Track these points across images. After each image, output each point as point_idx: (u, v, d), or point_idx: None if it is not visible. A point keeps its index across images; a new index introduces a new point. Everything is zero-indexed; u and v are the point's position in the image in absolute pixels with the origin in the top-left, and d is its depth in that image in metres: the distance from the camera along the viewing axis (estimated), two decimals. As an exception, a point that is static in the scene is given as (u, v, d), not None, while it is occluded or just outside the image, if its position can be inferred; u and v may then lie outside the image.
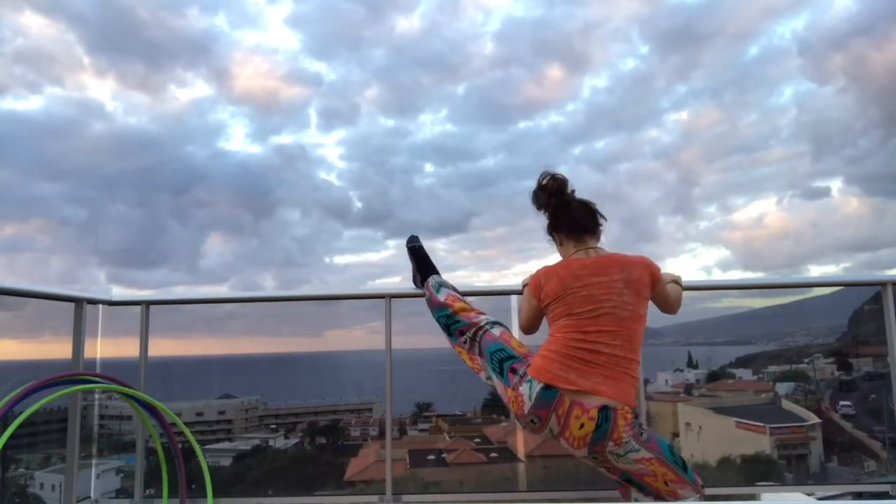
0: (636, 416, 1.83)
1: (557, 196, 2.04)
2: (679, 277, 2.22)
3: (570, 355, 1.81)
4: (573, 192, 2.05)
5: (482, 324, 2.07)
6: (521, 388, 1.83)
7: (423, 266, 2.38)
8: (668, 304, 2.08)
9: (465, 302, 2.19)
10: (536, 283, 1.99)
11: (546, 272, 1.98)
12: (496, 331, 2.05)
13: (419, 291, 2.38)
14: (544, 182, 2.04)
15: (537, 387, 1.80)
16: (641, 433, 1.81)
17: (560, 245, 2.07)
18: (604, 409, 1.75)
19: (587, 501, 2.37)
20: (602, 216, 2.02)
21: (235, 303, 3.08)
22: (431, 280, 2.30)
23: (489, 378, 2.01)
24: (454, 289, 2.27)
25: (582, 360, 1.80)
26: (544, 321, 2.08)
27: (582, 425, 1.75)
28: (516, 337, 2.07)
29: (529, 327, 2.13)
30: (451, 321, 2.13)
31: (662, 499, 1.81)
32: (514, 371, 1.89)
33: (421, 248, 2.41)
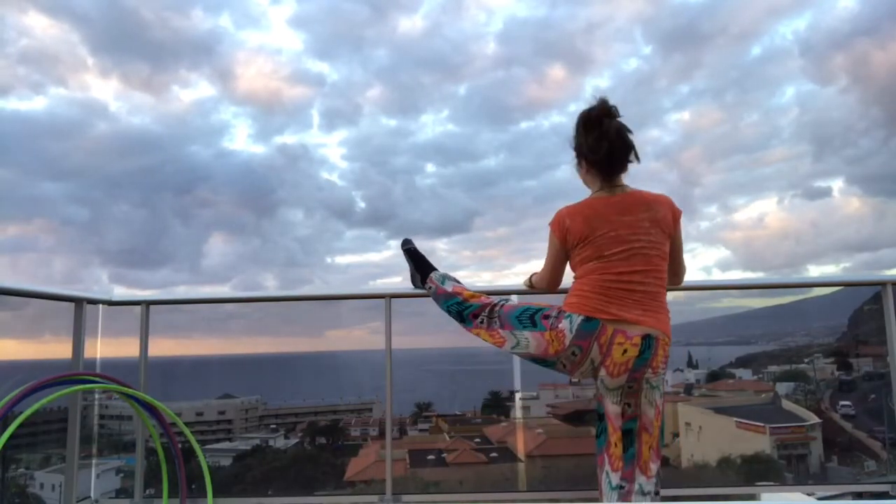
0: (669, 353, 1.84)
1: (604, 134, 1.84)
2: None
3: (606, 293, 1.79)
4: (618, 121, 1.87)
5: (496, 302, 2.06)
6: (560, 325, 1.81)
7: (420, 265, 2.38)
8: (678, 263, 2.02)
9: (471, 290, 2.19)
10: (560, 224, 1.90)
11: (570, 211, 1.90)
12: (513, 301, 2.05)
13: (419, 291, 2.38)
14: (600, 110, 1.87)
15: (578, 319, 1.78)
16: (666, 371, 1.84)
17: (585, 171, 1.95)
18: (647, 338, 1.75)
19: (587, 501, 2.37)
20: (637, 156, 1.88)
21: (235, 303, 3.09)
22: (434, 275, 2.29)
23: (516, 345, 1.94)
24: (458, 280, 2.27)
25: (619, 297, 1.78)
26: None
27: (625, 351, 1.75)
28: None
29: (554, 278, 2.07)
30: (462, 307, 2.11)
31: (633, 469, 1.83)
32: (547, 317, 1.86)
33: (415, 248, 2.42)
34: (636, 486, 1.83)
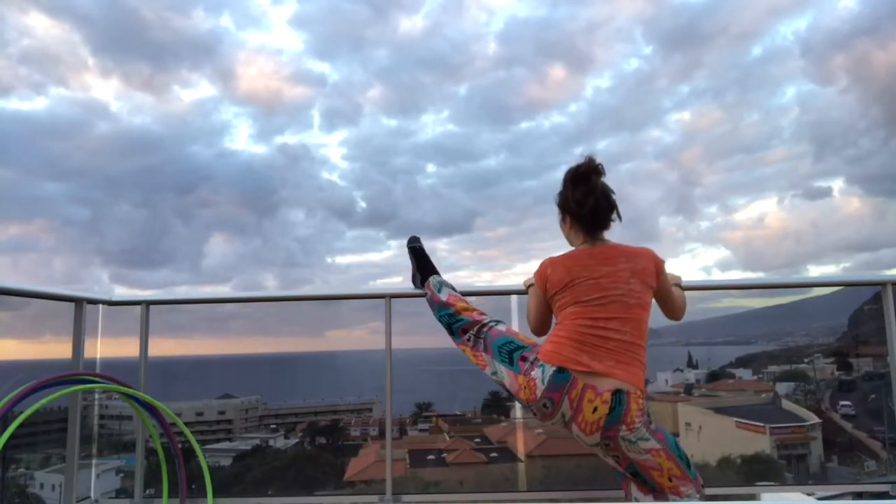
0: (646, 403, 1.83)
1: (589, 194, 1.91)
2: (680, 279, 2.23)
3: (580, 340, 1.81)
4: (603, 181, 1.94)
5: (486, 321, 2.09)
6: (532, 373, 1.83)
7: (423, 266, 2.38)
8: (672, 304, 2.06)
9: (466, 302, 2.21)
10: (542, 274, 1.98)
11: (552, 262, 1.97)
12: (501, 327, 2.08)
13: (419, 291, 2.38)
14: (586, 170, 1.92)
15: (550, 370, 1.80)
16: (650, 422, 1.81)
17: (569, 227, 2.01)
18: (617, 393, 1.74)
19: (587, 501, 2.37)
20: (619, 215, 1.96)
21: (235, 303, 3.09)
22: (432, 280, 2.30)
23: (495, 373, 2.00)
24: (454, 289, 2.28)
25: (593, 344, 1.80)
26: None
27: (595, 409, 1.74)
28: (522, 334, 2.07)
29: (539, 325, 2.10)
30: (453, 320, 2.15)
31: (664, 496, 1.81)
32: (524, 359, 1.90)
33: (422, 248, 2.42)
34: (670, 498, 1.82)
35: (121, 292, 2.77)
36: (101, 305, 2.71)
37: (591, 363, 1.77)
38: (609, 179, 1.95)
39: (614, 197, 1.95)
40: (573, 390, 1.76)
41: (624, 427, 1.75)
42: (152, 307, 2.77)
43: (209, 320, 3.22)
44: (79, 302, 2.58)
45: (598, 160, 1.92)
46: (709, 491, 1.88)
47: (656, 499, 1.83)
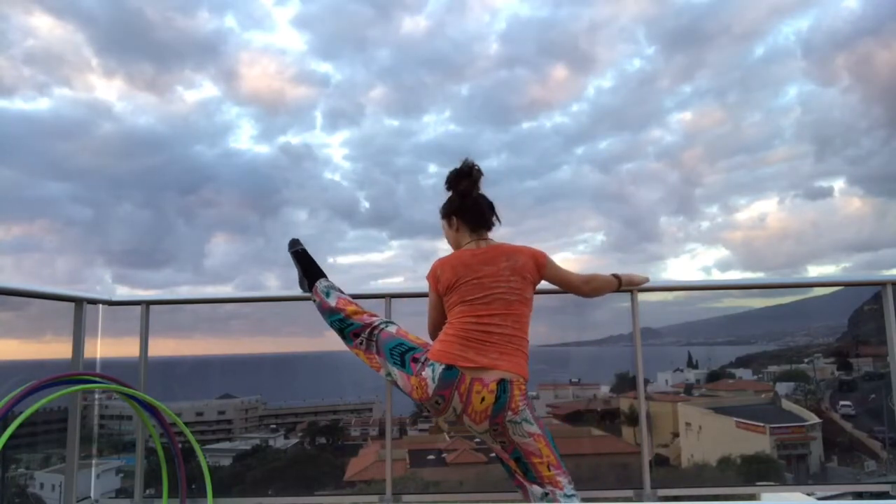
0: (527, 389, 1.97)
1: (472, 186, 2.13)
2: (643, 280, 2.44)
3: (466, 337, 1.94)
4: (479, 188, 2.16)
5: (376, 324, 2.18)
6: (423, 373, 1.94)
7: (308, 269, 2.39)
8: (569, 282, 2.20)
9: (356, 305, 2.28)
10: (434, 275, 2.09)
11: (441, 264, 2.09)
12: (392, 328, 2.17)
13: (420, 291, 2.38)
14: (467, 169, 2.12)
15: (439, 368, 1.91)
16: (534, 408, 1.96)
17: (455, 230, 2.15)
18: (501, 382, 1.89)
19: (587, 501, 2.37)
20: (498, 218, 2.15)
21: (235, 303, 3.09)
22: (319, 285, 2.33)
23: (389, 374, 2.10)
24: (342, 292, 2.33)
25: (478, 340, 1.93)
26: None
27: (483, 399, 1.88)
28: (412, 334, 2.17)
29: (435, 326, 2.17)
30: (344, 325, 2.23)
31: (543, 487, 1.91)
32: (415, 360, 2.00)
33: (304, 251, 2.44)
34: (558, 493, 1.91)
35: (123, 292, 2.77)
36: (101, 305, 2.71)
37: (476, 358, 1.90)
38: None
39: (490, 200, 2.14)
40: (462, 385, 1.89)
41: (510, 412, 1.89)
42: (152, 307, 2.77)
43: (209, 320, 3.22)
44: (79, 302, 2.58)
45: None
46: (709, 491, 1.89)
47: (546, 484, 1.91)
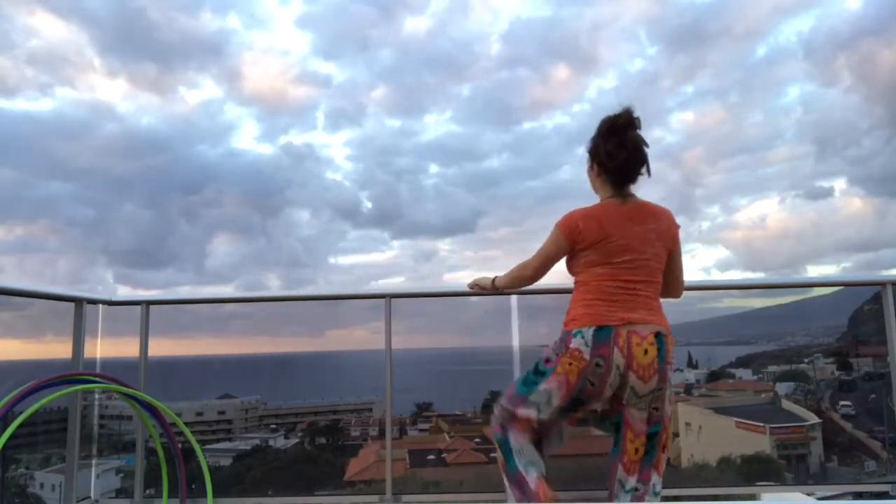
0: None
1: (625, 132, 1.87)
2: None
3: (611, 298, 1.81)
4: (638, 134, 1.89)
5: (505, 416, 1.94)
6: (571, 345, 1.79)
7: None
8: (677, 276, 2.00)
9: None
10: (573, 226, 1.87)
11: (584, 215, 1.88)
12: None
13: (420, 291, 2.37)
14: (621, 117, 1.87)
15: (589, 332, 1.78)
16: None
17: (596, 175, 1.95)
18: (658, 335, 1.79)
19: (587, 501, 2.37)
20: (649, 170, 1.90)
21: (235, 303, 3.09)
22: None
23: (539, 410, 1.85)
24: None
25: (624, 300, 1.81)
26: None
27: (646, 351, 1.76)
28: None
29: (538, 274, 2.01)
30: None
31: (653, 467, 1.84)
32: (548, 360, 1.85)
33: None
34: (650, 487, 1.84)
35: (125, 292, 2.78)
36: (101, 305, 2.71)
37: (626, 315, 1.78)
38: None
39: (647, 150, 1.89)
40: (619, 339, 1.75)
41: (669, 367, 1.79)
42: (152, 307, 2.77)
43: (210, 320, 3.22)
44: (79, 302, 2.58)
45: (637, 113, 1.88)
46: (709, 491, 1.89)
47: (640, 479, 1.83)
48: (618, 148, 1.85)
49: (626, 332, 1.76)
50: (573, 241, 1.88)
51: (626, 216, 1.86)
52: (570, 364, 1.79)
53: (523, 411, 1.88)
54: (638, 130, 1.88)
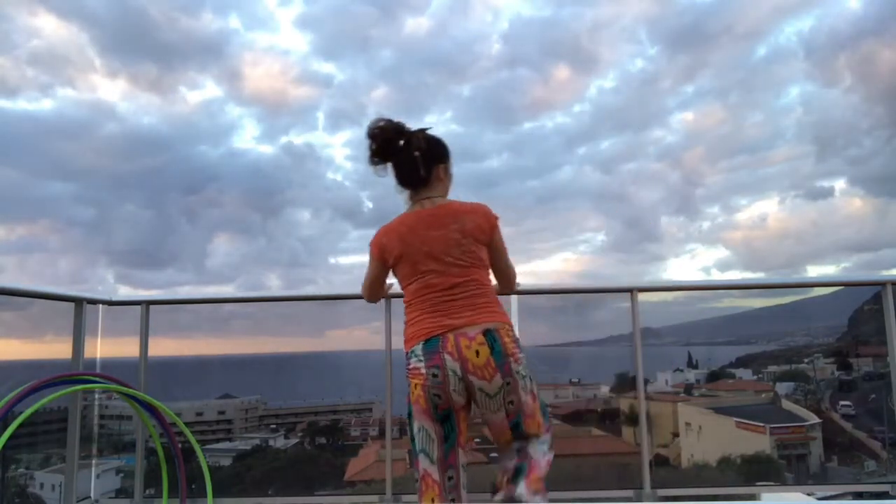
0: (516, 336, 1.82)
1: (387, 146, 1.86)
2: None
3: (432, 310, 1.79)
4: (411, 140, 1.85)
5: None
6: (411, 366, 1.78)
7: None
8: (502, 267, 1.98)
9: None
10: (379, 244, 1.89)
11: (386, 230, 1.89)
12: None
13: None
14: (373, 131, 1.86)
15: (419, 347, 1.77)
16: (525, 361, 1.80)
17: (400, 191, 1.94)
18: (488, 333, 1.74)
19: (587, 501, 2.37)
20: (439, 162, 1.87)
21: (236, 303, 3.09)
22: None
23: (414, 443, 1.86)
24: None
25: (444, 307, 1.78)
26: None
27: (477, 352, 1.72)
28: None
29: (372, 292, 2.07)
30: None
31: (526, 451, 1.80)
32: (409, 401, 1.82)
33: None
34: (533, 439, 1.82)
35: (125, 292, 2.78)
36: (101, 305, 2.71)
37: (450, 321, 1.75)
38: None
39: (430, 148, 1.84)
40: (448, 344, 1.73)
41: (511, 360, 1.74)
42: (152, 307, 2.77)
43: (210, 320, 3.22)
44: (78, 302, 2.58)
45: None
46: (709, 491, 1.88)
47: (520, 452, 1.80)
48: (395, 161, 1.85)
49: (453, 336, 1.74)
50: (383, 259, 1.90)
51: (426, 223, 1.83)
52: (416, 386, 1.78)
53: (422, 467, 1.85)
54: (403, 140, 1.84)
